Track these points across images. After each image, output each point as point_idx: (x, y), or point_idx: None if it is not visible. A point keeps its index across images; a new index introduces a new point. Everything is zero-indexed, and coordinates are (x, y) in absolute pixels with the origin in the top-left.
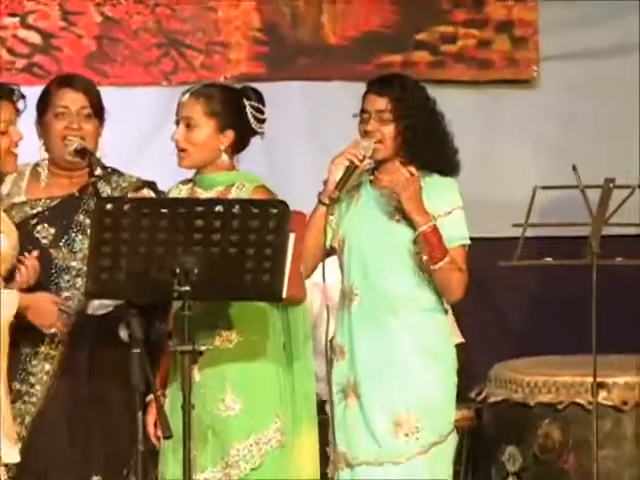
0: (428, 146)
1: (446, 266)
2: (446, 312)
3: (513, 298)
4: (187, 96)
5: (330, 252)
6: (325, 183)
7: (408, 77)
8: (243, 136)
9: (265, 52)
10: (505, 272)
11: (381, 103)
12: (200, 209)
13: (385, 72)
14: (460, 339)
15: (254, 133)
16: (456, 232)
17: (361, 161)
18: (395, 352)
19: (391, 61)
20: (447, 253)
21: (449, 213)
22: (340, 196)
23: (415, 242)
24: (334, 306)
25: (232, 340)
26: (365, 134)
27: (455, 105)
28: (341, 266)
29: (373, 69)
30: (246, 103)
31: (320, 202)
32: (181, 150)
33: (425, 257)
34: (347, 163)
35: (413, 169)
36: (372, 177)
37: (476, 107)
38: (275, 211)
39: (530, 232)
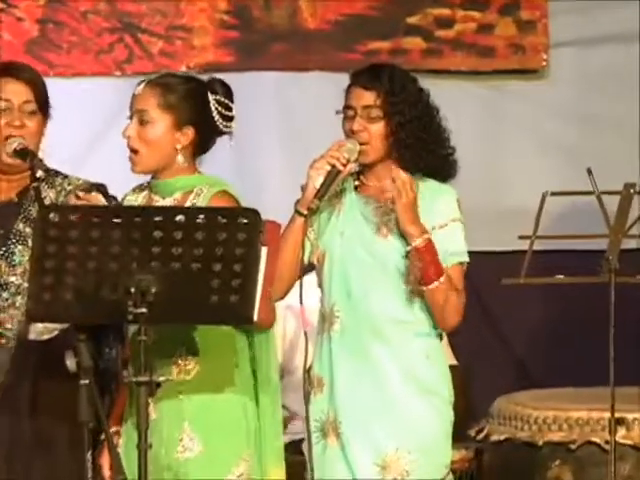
0: (422, 147)
1: (441, 287)
2: (441, 337)
3: (518, 321)
4: (141, 87)
5: (308, 269)
6: (303, 190)
7: (399, 67)
8: (205, 135)
9: (234, 38)
10: (510, 291)
11: (368, 98)
12: (159, 219)
13: (372, 61)
14: (453, 361)
15: (219, 133)
16: (453, 247)
17: (345, 165)
18: (382, 384)
19: (378, 48)
20: (442, 272)
21: (445, 225)
22: (320, 205)
23: (406, 257)
24: (312, 331)
25: (190, 370)
26: (350, 134)
27: (452, 99)
28: (320, 285)
29: (358, 58)
30: (211, 97)
31: (297, 212)
32: (132, 151)
33: (415, 275)
34: (329, 167)
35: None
36: (357, 183)
37: (476, 101)
38: (245, 221)
39: (538, 245)
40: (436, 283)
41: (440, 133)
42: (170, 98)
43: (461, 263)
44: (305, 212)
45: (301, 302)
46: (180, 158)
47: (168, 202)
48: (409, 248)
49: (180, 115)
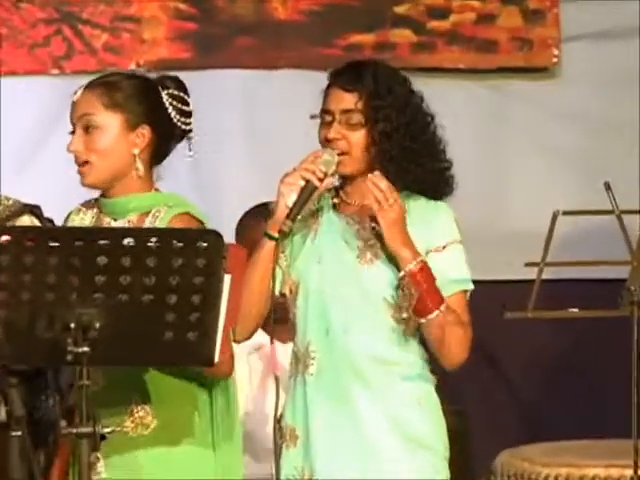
0: (411, 159)
1: (442, 318)
2: (435, 382)
3: (524, 360)
4: (80, 91)
5: (280, 301)
6: (273, 209)
7: (384, 64)
8: (163, 135)
9: (192, 30)
10: (515, 326)
11: (348, 101)
12: (104, 242)
13: (354, 58)
14: None
15: (179, 134)
16: (454, 273)
17: (321, 180)
18: (365, 436)
19: (361, 42)
20: (442, 300)
21: (443, 248)
22: (293, 227)
23: (399, 286)
24: (284, 375)
25: (148, 423)
26: (327, 143)
27: (447, 102)
28: (293, 320)
29: (337, 54)
30: (162, 92)
31: (266, 235)
32: (82, 163)
33: (410, 306)
34: (303, 183)
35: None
36: (336, 200)
37: (476, 105)
38: (205, 245)
39: (548, 273)
40: (436, 313)
41: (434, 144)
42: (116, 96)
43: (464, 291)
44: (276, 235)
45: (272, 341)
46: (139, 165)
47: (120, 225)
48: (402, 274)
49: (131, 113)
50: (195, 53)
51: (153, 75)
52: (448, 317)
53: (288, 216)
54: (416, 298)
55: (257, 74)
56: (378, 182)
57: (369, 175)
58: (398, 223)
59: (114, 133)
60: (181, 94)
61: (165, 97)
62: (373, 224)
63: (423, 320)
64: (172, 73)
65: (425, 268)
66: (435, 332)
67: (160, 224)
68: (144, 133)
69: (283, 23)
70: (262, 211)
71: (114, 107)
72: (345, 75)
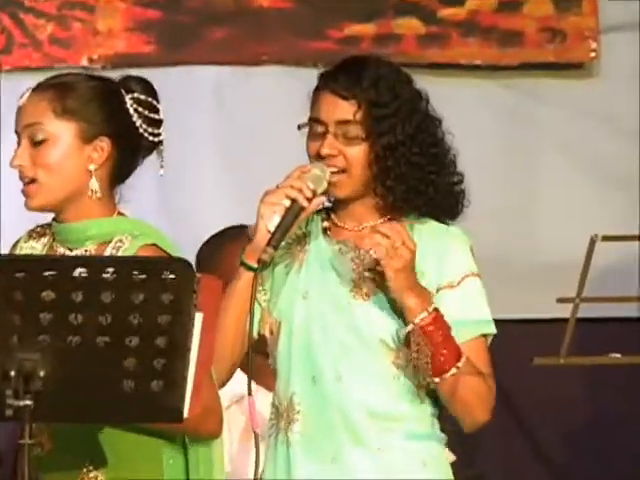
0: (420, 177)
1: (460, 375)
2: (445, 441)
3: (556, 416)
4: (27, 95)
5: (260, 344)
6: (251, 234)
7: (388, 62)
8: (126, 149)
9: (155, 20)
10: (546, 374)
11: (345, 110)
12: (50, 274)
13: (350, 54)
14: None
15: (147, 146)
16: (472, 313)
17: (310, 199)
18: None
19: (360, 34)
20: (461, 354)
21: (458, 284)
22: (275, 256)
23: (406, 339)
24: (265, 431)
25: None
26: (319, 159)
27: (462, 104)
28: (274, 366)
29: (331, 47)
30: (126, 97)
31: (244, 265)
32: (28, 182)
33: (421, 364)
34: (288, 203)
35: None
36: (327, 224)
37: (497, 108)
38: (172, 277)
39: (585, 311)
40: (453, 371)
41: (443, 155)
42: (69, 101)
43: (485, 335)
44: (255, 265)
45: (249, 391)
46: (94, 184)
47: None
48: (409, 328)
49: (87, 122)
50: (159, 47)
51: (113, 75)
52: (466, 372)
53: (269, 242)
54: (428, 355)
55: (234, 71)
56: (385, 231)
57: (366, 240)
58: (405, 271)
59: (66, 146)
60: (149, 99)
61: (129, 103)
62: (372, 250)
63: (437, 379)
64: (132, 71)
65: (438, 318)
66: (451, 391)
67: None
68: (103, 146)
69: (266, 11)
70: (239, 234)
71: (67, 114)
72: (340, 78)
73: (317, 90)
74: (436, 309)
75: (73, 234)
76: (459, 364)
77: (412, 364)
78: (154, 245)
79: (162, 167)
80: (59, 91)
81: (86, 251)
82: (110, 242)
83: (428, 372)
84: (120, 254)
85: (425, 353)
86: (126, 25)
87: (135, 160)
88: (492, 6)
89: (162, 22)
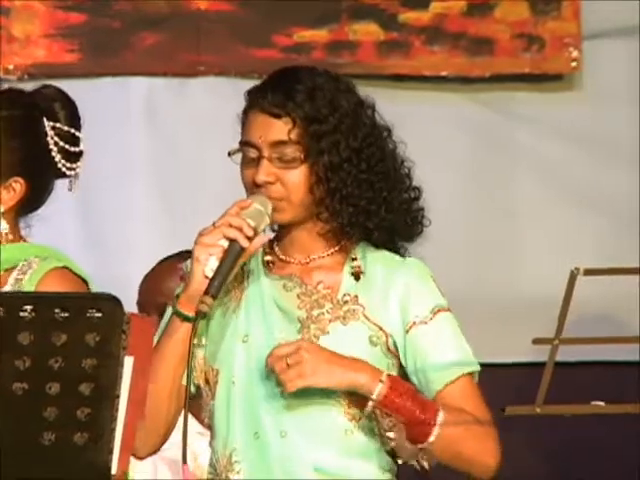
0: (371, 195)
1: (446, 431)
2: None
3: (533, 470)
4: None
5: (196, 396)
6: (185, 279)
7: (322, 70)
8: (40, 187)
9: (79, 24)
10: (520, 425)
11: (278, 130)
12: None
13: (290, 63)
14: None
15: (60, 176)
16: (452, 354)
17: (250, 239)
18: None
19: (310, 40)
20: (436, 409)
21: (431, 320)
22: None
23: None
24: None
25: None
26: (252, 186)
27: (428, 122)
28: (210, 421)
29: (276, 56)
30: (47, 127)
31: (178, 315)
32: None
33: (400, 442)
34: (226, 244)
35: None
36: (269, 257)
37: (466, 126)
38: (99, 315)
39: (565, 354)
40: (436, 429)
41: (395, 170)
42: None
43: (470, 374)
44: (191, 315)
45: (184, 460)
46: (3, 225)
47: None
48: (369, 407)
49: (4, 162)
50: (83, 55)
51: (30, 86)
52: (452, 423)
53: (207, 291)
54: (400, 427)
55: (168, 83)
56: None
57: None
58: (321, 366)
59: None
60: (72, 131)
61: (50, 135)
62: (325, 292)
63: (422, 446)
64: (53, 82)
65: (395, 383)
66: (445, 449)
67: (29, 282)
68: (15, 188)
69: (204, 15)
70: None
71: None
72: (269, 94)
73: (246, 110)
74: (388, 374)
75: None
76: (439, 419)
77: (397, 443)
78: (65, 268)
79: (71, 189)
80: None
81: None
82: (14, 268)
83: (412, 442)
84: (27, 278)
85: (398, 426)
86: (46, 31)
87: (47, 194)
88: (460, 9)
89: (87, 27)
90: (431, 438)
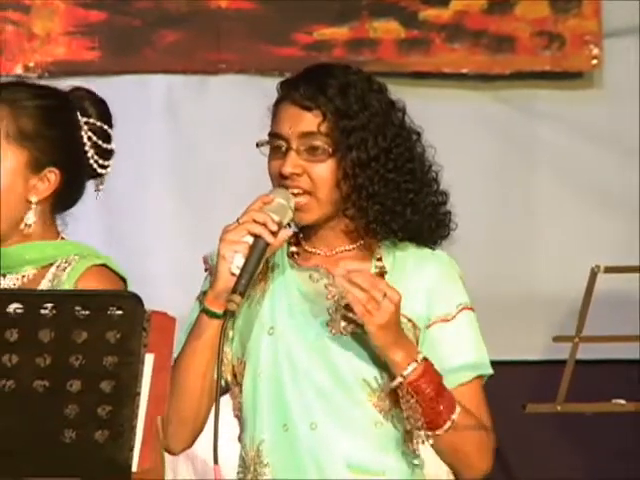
0: (398, 195)
1: (458, 427)
2: None
3: (554, 469)
4: None
5: (227, 390)
6: (213, 275)
7: (356, 70)
8: (74, 181)
9: (99, 22)
10: (541, 423)
11: (309, 122)
12: None
13: (317, 61)
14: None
15: (91, 175)
16: (468, 354)
17: (275, 233)
18: None
19: (331, 38)
20: (454, 405)
21: (452, 317)
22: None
23: (391, 390)
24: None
25: None
26: (282, 179)
27: (448, 119)
28: (239, 413)
29: (297, 54)
30: (82, 121)
31: (207, 313)
32: None
33: (413, 420)
34: (250, 240)
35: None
36: (294, 248)
37: (486, 124)
38: (120, 313)
39: (585, 351)
40: (448, 424)
41: (423, 172)
42: (24, 122)
43: (481, 377)
44: (219, 312)
45: (216, 461)
46: (31, 217)
47: (10, 282)
48: (396, 382)
49: (39, 150)
50: (103, 53)
51: (58, 85)
52: (462, 423)
53: (235, 289)
54: (419, 411)
55: (188, 81)
56: (355, 278)
57: (337, 276)
58: (390, 324)
59: (11, 173)
60: (104, 127)
61: (84, 129)
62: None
63: (430, 434)
64: (73, 80)
65: (428, 370)
66: (447, 444)
67: (68, 279)
68: (50, 179)
69: (224, 12)
70: None
71: (21, 139)
72: (302, 86)
73: (277, 102)
74: (425, 359)
75: (11, 258)
76: (454, 416)
77: (406, 420)
78: (104, 265)
79: (98, 192)
80: (13, 109)
81: (24, 276)
82: (52, 265)
83: (421, 428)
84: (66, 274)
85: (416, 409)
86: (66, 28)
87: (80, 191)
88: (480, 7)
89: (107, 25)
90: (439, 431)
